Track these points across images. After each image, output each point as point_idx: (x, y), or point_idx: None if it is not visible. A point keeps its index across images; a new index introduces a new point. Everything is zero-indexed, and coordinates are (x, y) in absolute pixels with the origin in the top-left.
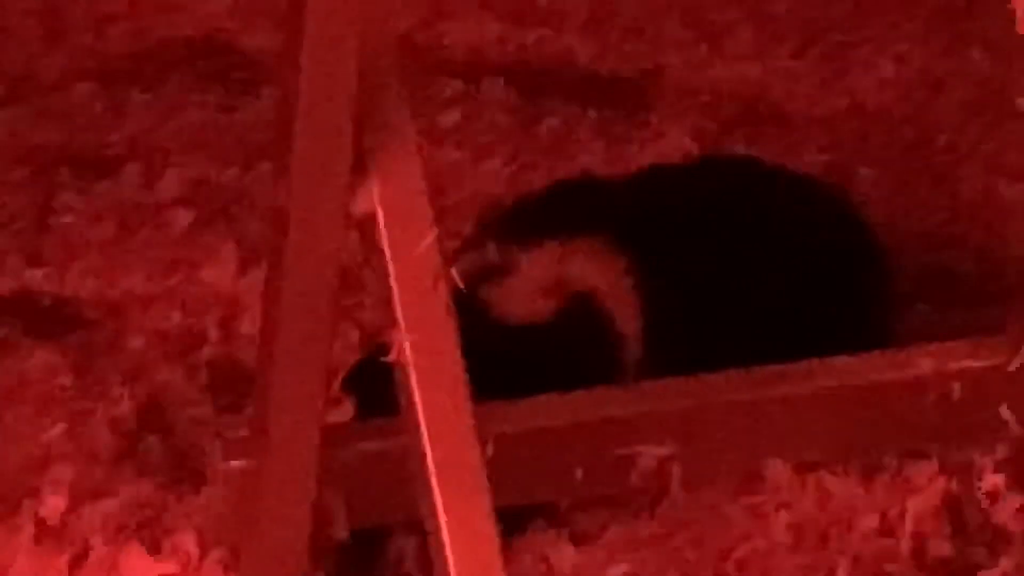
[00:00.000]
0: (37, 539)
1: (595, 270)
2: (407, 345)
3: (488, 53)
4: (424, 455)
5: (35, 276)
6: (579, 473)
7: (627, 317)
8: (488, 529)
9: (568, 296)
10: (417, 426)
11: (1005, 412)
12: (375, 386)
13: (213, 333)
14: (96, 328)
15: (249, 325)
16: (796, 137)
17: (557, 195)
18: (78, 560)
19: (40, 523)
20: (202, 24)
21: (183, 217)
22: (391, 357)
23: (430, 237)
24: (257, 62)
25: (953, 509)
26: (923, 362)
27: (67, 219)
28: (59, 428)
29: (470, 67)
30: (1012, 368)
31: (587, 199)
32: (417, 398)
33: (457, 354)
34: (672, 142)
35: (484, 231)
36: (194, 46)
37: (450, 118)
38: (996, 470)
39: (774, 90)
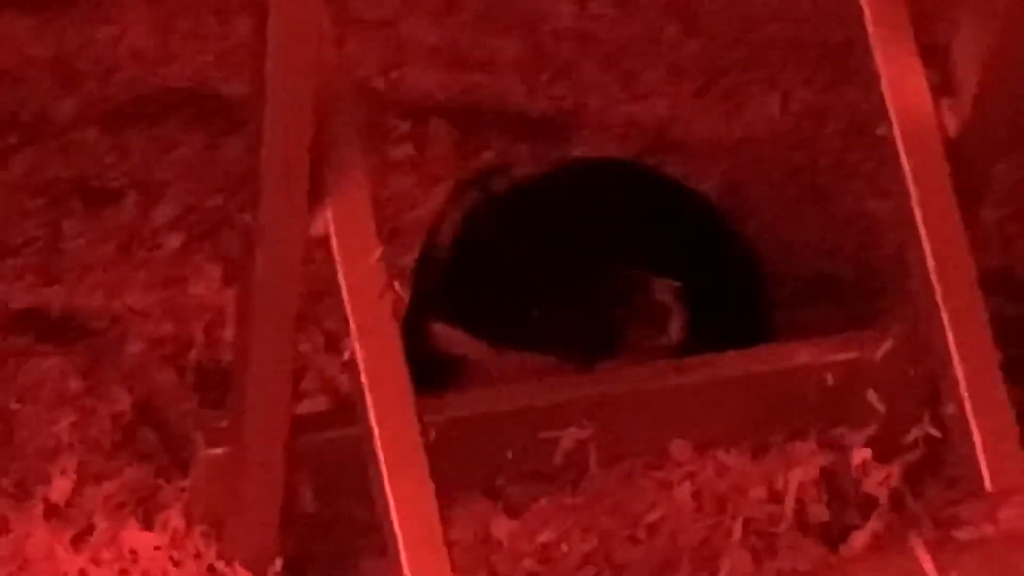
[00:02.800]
0: (47, 516)
1: None
2: (357, 347)
3: (435, 96)
4: (373, 441)
5: (48, 292)
6: (510, 454)
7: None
8: (430, 505)
9: None
10: (367, 417)
11: (872, 396)
12: None
13: (200, 339)
14: (100, 336)
15: (230, 332)
16: (698, 164)
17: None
18: (83, 535)
19: (50, 503)
20: (193, 74)
21: (175, 239)
22: (344, 358)
23: (376, 254)
24: (239, 106)
25: (829, 479)
26: (802, 354)
27: (76, 242)
28: (67, 422)
29: (419, 108)
30: (877, 358)
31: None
32: (366, 392)
33: (400, 354)
34: None
35: None
36: (186, 93)
37: (402, 151)
38: (865, 446)
39: (679, 124)
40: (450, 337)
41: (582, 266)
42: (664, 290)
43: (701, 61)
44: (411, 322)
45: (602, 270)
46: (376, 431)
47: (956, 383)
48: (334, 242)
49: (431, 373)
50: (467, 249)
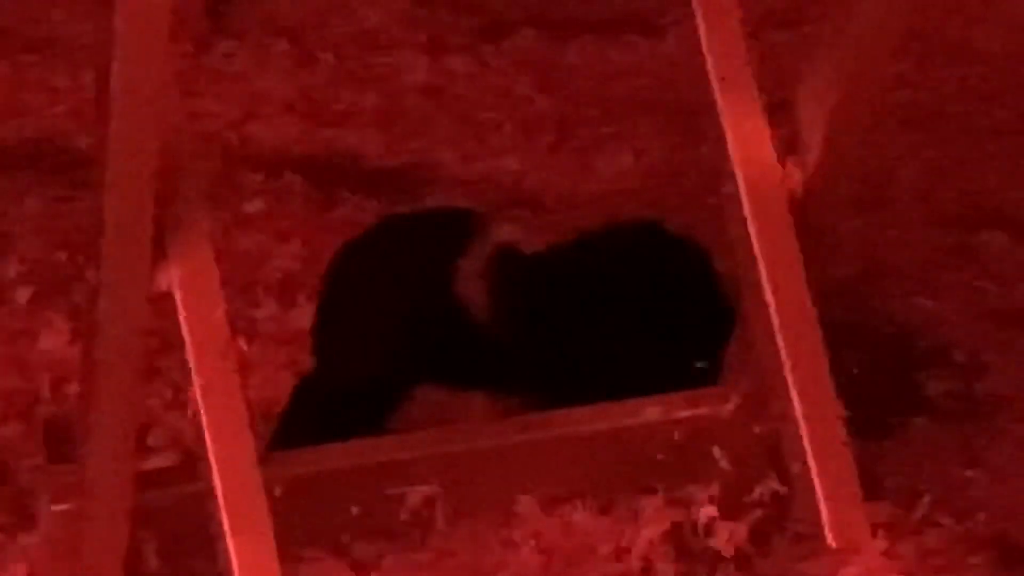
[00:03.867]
0: None
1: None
2: (201, 402)
3: (289, 150)
4: (216, 498)
5: None
6: (357, 510)
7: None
8: (272, 562)
9: None
10: (210, 473)
11: (717, 453)
12: None
13: (47, 394)
14: None
15: (78, 387)
16: (550, 219)
17: None
18: None
19: None
20: (44, 127)
21: (23, 293)
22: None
23: (220, 310)
24: (90, 160)
25: (677, 536)
26: (650, 411)
27: None
28: None
29: (273, 161)
30: (724, 416)
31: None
32: (209, 448)
33: (243, 410)
34: None
35: None
36: (36, 145)
37: (254, 206)
38: (711, 502)
39: (532, 178)
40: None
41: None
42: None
43: (554, 117)
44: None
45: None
46: (219, 487)
47: (800, 441)
48: (178, 298)
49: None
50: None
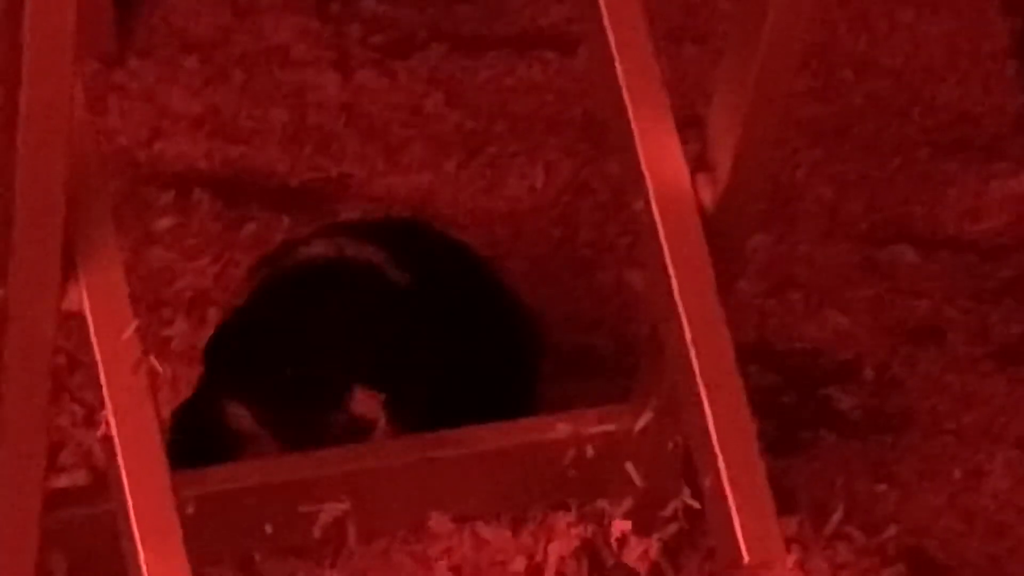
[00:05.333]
0: None
1: None
2: (112, 421)
3: (198, 166)
4: (128, 516)
5: None
6: (269, 528)
7: None
8: None
9: None
10: (122, 491)
11: (630, 468)
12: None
13: None
14: None
15: None
16: (460, 235)
17: None
18: None
19: None
20: None
21: None
22: (99, 433)
23: (131, 328)
24: None
25: (589, 552)
26: (561, 427)
27: None
28: None
29: (182, 179)
30: (636, 431)
31: None
32: (121, 467)
33: (156, 429)
34: None
35: None
36: None
37: (163, 223)
38: (624, 518)
39: (442, 195)
40: (239, 414)
41: (323, 360)
42: (366, 401)
43: (464, 133)
44: (203, 399)
45: (330, 369)
46: (131, 506)
47: (713, 455)
48: (88, 317)
49: (222, 450)
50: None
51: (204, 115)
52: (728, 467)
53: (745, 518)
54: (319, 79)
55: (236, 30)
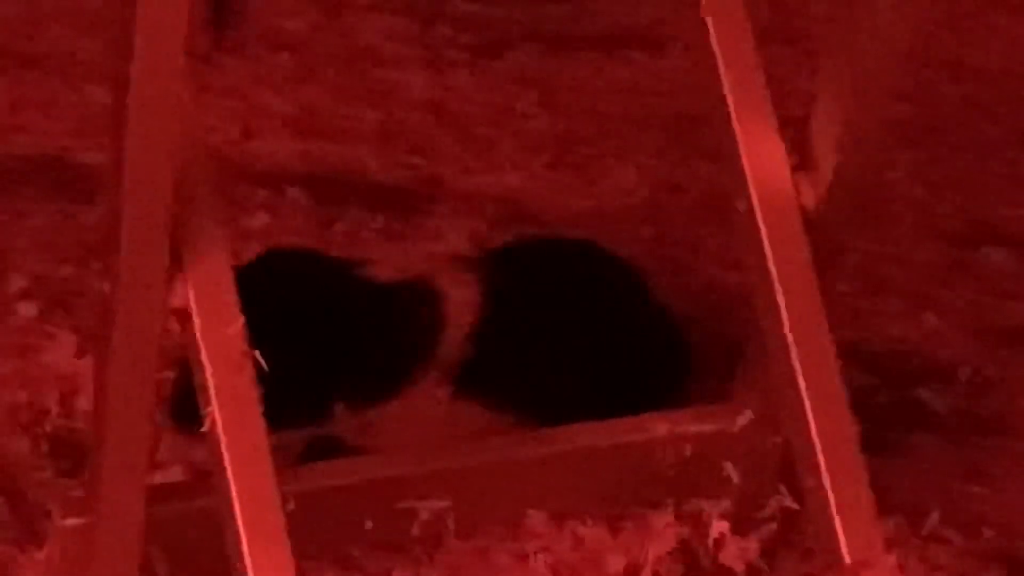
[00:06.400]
0: None
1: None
2: (217, 418)
3: (290, 164)
4: (233, 513)
5: None
6: (368, 524)
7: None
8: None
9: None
10: (227, 487)
11: (729, 468)
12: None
13: (54, 408)
14: None
15: (85, 401)
16: (551, 235)
17: None
18: None
19: None
20: (45, 144)
21: (27, 308)
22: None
23: (237, 324)
24: (92, 175)
25: (686, 552)
26: (659, 426)
27: None
28: None
29: (274, 177)
30: (735, 430)
31: None
32: (227, 463)
33: (261, 424)
34: (448, 242)
35: None
36: (37, 162)
37: (257, 221)
38: (722, 518)
39: (532, 195)
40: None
41: None
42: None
43: (554, 133)
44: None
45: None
46: (236, 501)
47: (814, 455)
48: (194, 313)
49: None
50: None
51: (296, 113)
52: (829, 467)
53: (846, 518)
54: (410, 78)
55: (326, 29)
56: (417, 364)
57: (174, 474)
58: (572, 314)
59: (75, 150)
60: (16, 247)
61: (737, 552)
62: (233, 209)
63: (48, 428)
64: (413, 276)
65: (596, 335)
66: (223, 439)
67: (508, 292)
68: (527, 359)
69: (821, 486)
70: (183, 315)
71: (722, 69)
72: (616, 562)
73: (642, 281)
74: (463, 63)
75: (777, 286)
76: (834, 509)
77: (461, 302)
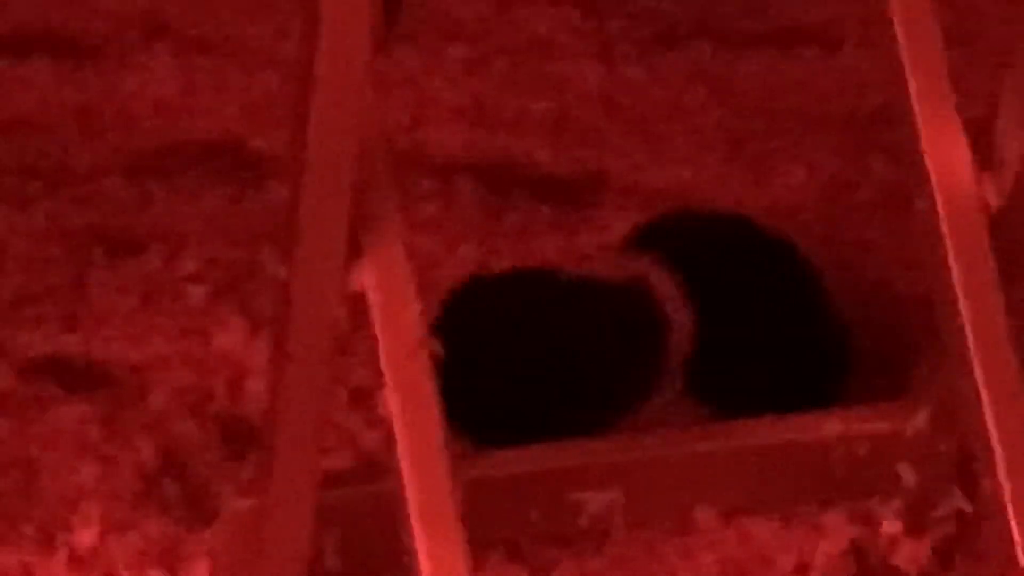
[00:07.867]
0: (70, 565)
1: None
2: (392, 403)
3: (460, 155)
4: (405, 497)
5: (69, 341)
6: (535, 515)
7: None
8: (461, 564)
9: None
10: (400, 474)
11: (903, 469)
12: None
13: (222, 391)
14: (121, 386)
15: (253, 385)
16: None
17: None
18: None
19: (73, 551)
20: (216, 127)
21: (197, 291)
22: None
23: (415, 310)
24: (262, 160)
25: (858, 551)
26: (833, 424)
27: (98, 292)
28: (89, 471)
29: (444, 167)
30: (909, 431)
31: None
32: (401, 447)
33: (436, 410)
34: (616, 234)
35: None
36: (209, 145)
37: (427, 210)
38: (895, 519)
39: (703, 191)
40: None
41: None
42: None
43: (724, 130)
44: None
45: None
46: (409, 488)
47: (993, 458)
48: (372, 298)
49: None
50: None
51: (467, 104)
52: (1008, 470)
53: (1023, 522)
54: (581, 71)
55: (498, 20)
56: (653, 377)
57: (342, 460)
58: (767, 306)
59: (246, 135)
60: (187, 231)
61: (909, 554)
62: (403, 198)
63: (215, 411)
64: (630, 278)
65: (790, 327)
66: (398, 423)
67: (706, 285)
68: (741, 354)
69: (999, 488)
70: (359, 300)
71: (908, 68)
72: (785, 561)
73: (819, 275)
74: (635, 57)
75: (958, 286)
76: (1011, 511)
77: (674, 299)
